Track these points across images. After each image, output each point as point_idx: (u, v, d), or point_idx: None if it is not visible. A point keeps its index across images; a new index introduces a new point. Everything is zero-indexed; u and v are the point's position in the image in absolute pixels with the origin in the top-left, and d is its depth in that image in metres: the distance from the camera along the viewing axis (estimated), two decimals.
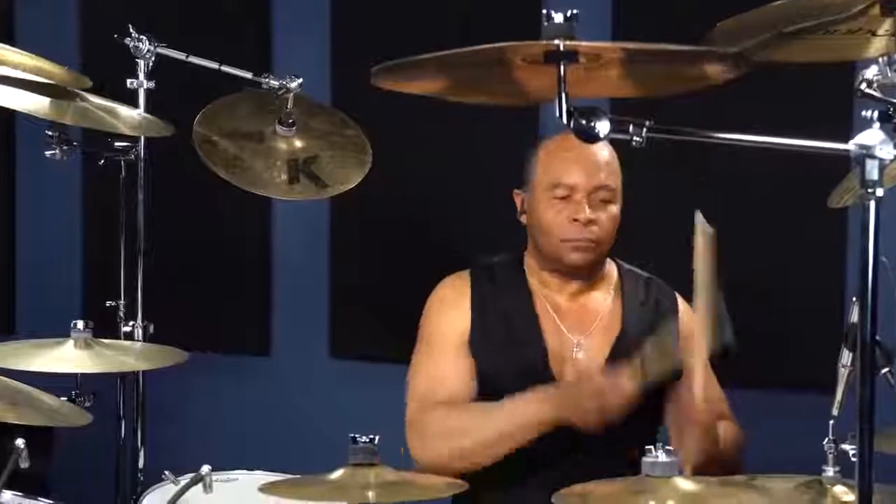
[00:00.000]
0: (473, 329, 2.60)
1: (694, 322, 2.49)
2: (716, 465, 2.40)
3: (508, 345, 2.57)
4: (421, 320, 2.67)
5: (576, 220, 2.54)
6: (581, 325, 2.61)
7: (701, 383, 2.34)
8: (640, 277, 2.69)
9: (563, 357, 2.58)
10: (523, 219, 2.67)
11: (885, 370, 1.83)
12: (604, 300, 2.65)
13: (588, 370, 2.49)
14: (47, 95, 2.61)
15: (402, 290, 3.50)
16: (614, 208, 2.58)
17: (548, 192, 2.58)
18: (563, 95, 1.80)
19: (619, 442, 2.41)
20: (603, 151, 2.58)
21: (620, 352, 2.56)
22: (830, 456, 2.03)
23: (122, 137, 2.84)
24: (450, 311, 2.64)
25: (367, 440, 2.07)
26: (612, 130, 1.78)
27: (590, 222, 2.54)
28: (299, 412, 3.75)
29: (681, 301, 2.65)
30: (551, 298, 2.63)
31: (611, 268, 2.68)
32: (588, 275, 2.64)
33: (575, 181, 2.56)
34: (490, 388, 2.55)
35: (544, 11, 1.85)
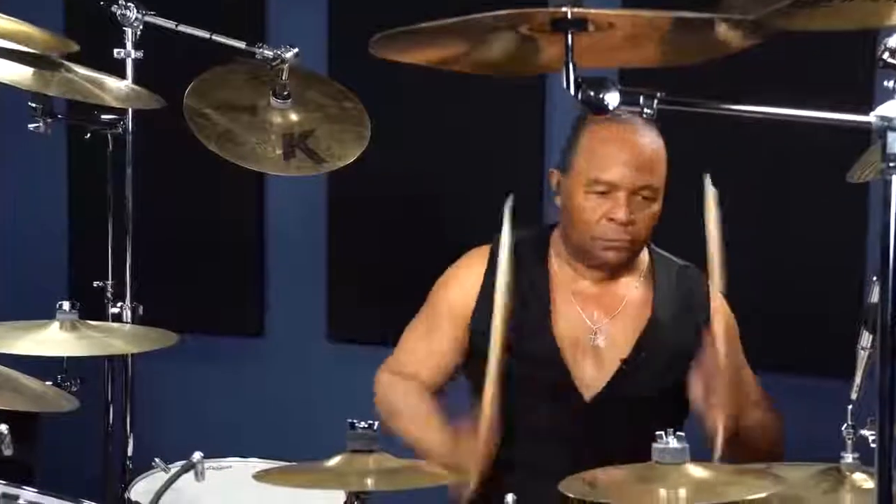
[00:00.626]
0: (479, 309, 2.60)
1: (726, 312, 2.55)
2: (751, 450, 2.44)
3: (519, 329, 2.54)
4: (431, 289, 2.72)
5: (612, 219, 2.51)
6: (604, 310, 2.61)
7: (722, 341, 2.34)
8: (673, 263, 2.68)
9: (579, 343, 2.58)
10: (557, 200, 2.64)
11: None
12: (633, 286, 2.64)
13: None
14: (30, 65, 2.61)
15: (403, 271, 3.52)
16: (655, 206, 2.54)
17: (586, 185, 2.52)
18: (571, 65, 1.80)
19: (643, 432, 2.41)
20: (650, 144, 2.53)
21: (649, 340, 2.57)
22: (849, 442, 2.04)
23: (109, 110, 2.84)
24: (454, 288, 2.67)
25: (366, 426, 2.07)
26: (622, 102, 1.78)
27: (629, 223, 2.51)
28: (295, 397, 3.76)
29: (713, 288, 2.64)
30: (574, 283, 2.62)
31: (643, 254, 2.65)
32: (617, 270, 2.63)
33: (617, 179, 2.50)
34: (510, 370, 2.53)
35: None
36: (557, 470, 2.33)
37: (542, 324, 2.59)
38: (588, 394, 2.55)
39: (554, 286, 2.62)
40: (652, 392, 2.55)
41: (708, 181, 2.26)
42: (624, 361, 2.56)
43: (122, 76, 2.84)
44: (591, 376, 2.56)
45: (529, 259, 2.63)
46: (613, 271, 2.63)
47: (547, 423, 2.55)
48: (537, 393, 2.55)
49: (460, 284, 2.66)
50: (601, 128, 2.53)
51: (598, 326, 2.59)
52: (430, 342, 2.67)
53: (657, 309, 2.61)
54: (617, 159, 2.52)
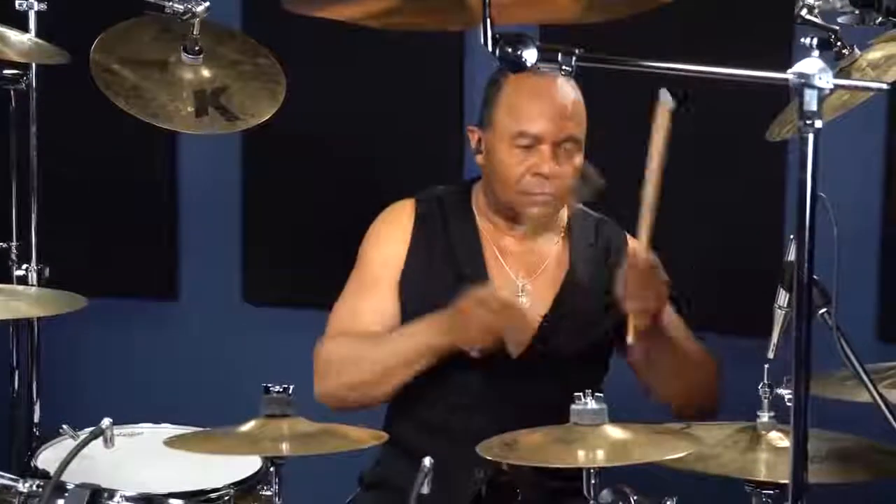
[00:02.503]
0: (409, 265, 2.61)
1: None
2: (682, 360, 2.51)
3: (452, 283, 2.56)
4: (359, 250, 2.68)
5: (538, 173, 2.52)
6: (527, 267, 2.63)
7: (644, 240, 2.40)
8: (591, 217, 2.70)
9: None
10: (479, 159, 2.64)
11: (822, 311, 1.86)
12: (552, 243, 2.66)
13: (480, 294, 2.46)
14: None
15: (321, 231, 3.51)
16: (578, 159, 2.56)
17: (509, 140, 2.54)
18: (489, 21, 1.79)
19: (566, 390, 2.43)
20: (571, 96, 2.55)
21: (567, 295, 2.59)
22: (765, 401, 2.08)
23: (11, 65, 2.79)
24: (384, 245, 2.65)
25: (281, 389, 2.07)
26: (540, 59, 1.79)
27: (553, 176, 2.52)
28: (209, 361, 3.73)
29: (631, 242, 2.67)
30: (498, 239, 2.64)
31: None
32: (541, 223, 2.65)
33: (540, 131, 2.52)
34: None
35: None
36: (483, 430, 2.36)
37: (477, 275, 2.58)
38: (514, 352, 2.54)
39: (483, 242, 2.64)
40: (573, 350, 2.57)
41: (664, 93, 2.28)
42: (544, 318, 2.58)
43: (25, 29, 2.79)
44: (517, 332, 2.55)
45: (456, 212, 2.65)
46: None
47: (475, 386, 2.55)
48: (468, 355, 2.53)
49: (391, 240, 2.64)
50: (522, 82, 2.52)
51: (522, 284, 2.61)
52: (370, 299, 2.61)
53: (574, 265, 2.63)
54: (540, 112, 2.53)
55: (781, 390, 2.02)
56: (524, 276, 2.62)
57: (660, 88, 2.28)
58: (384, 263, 2.62)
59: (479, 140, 2.62)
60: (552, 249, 2.66)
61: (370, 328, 2.57)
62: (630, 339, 2.42)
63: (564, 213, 2.69)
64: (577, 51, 1.79)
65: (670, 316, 2.60)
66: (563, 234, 2.67)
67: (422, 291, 2.59)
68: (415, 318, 2.55)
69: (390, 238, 2.65)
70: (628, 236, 2.70)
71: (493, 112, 2.58)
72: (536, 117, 2.53)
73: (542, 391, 2.47)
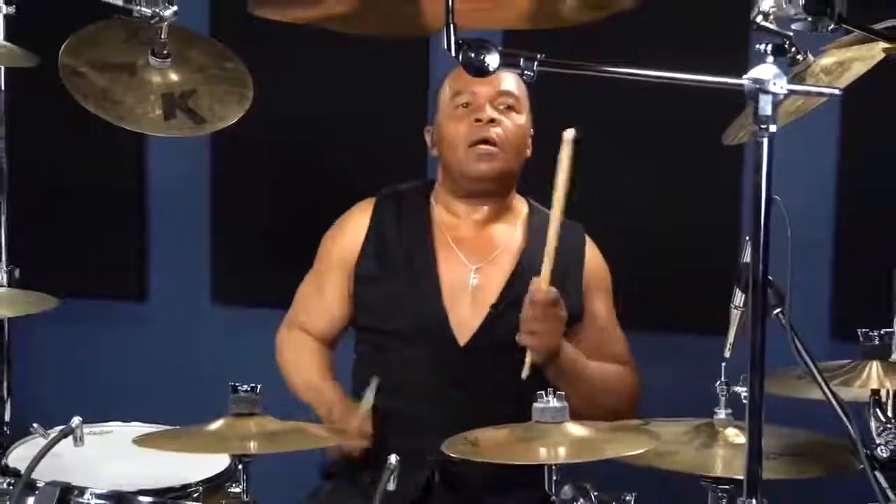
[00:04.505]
0: (366, 256, 2.67)
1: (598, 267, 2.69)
2: (598, 402, 2.51)
3: (403, 274, 2.64)
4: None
5: (478, 119, 2.61)
6: (481, 253, 2.66)
7: (546, 275, 2.45)
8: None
9: (458, 286, 2.63)
10: (434, 152, 2.73)
11: (776, 311, 1.87)
12: (510, 233, 2.69)
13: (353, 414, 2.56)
14: None
15: (288, 233, 3.50)
16: (519, 118, 2.65)
17: (452, 106, 2.65)
18: (451, 26, 1.80)
19: (513, 378, 2.45)
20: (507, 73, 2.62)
21: (517, 281, 2.61)
22: (722, 398, 2.08)
23: None
24: (340, 237, 2.73)
25: (248, 388, 2.07)
26: (502, 64, 1.79)
27: (492, 121, 2.61)
28: (178, 361, 3.72)
29: (589, 243, 2.72)
30: (454, 229, 2.68)
31: (521, 204, 2.74)
32: (496, 193, 2.67)
33: (477, 88, 2.62)
34: (381, 313, 2.64)
35: None
36: (434, 417, 2.36)
37: (426, 266, 2.64)
38: (462, 339, 2.59)
39: (437, 233, 2.68)
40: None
41: (568, 133, 2.38)
42: (493, 305, 2.60)
43: None
44: (466, 320, 2.60)
45: (413, 206, 2.71)
46: (492, 209, 2.68)
47: (425, 373, 2.58)
48: (416, 341, 2.59)
49: (346, 234, 2.72)
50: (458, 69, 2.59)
51: (475, 268, 2.65)
52: (321, 296, 2.74)
53: (525, 256, 2.65)
54: (475, 77, 2.59)
55: (738, 388, 2.03)
56: (477, 260, 2.66)
57: (566, 129, 2.38)
58: (339, 259, 2.71)
59: (432, 135, 2.73)
60: (508, 238, 2.69)
61: (318, 324, 2.75)
62: (524, 372, 2.45)
63: (524, 207, 2.73)
64: (538, 56, 1.79)
65: (591, 341, 2.65)
66: (520, 226, 2.69)
67: (375, 279, 2.66)
68: (369, 306, 2.66)
69: (347, 231, 2.72)
70: (587, 237, 2.72)
71: (438, 101, 2.71)
72: (471, 80, 2.53)
73: (491, 378, 2.52)
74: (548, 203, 2.48)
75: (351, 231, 2.71)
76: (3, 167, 2.85)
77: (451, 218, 2.69)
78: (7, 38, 2.78)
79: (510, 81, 2.65)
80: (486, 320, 2.59)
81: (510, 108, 2.64)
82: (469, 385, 2.55)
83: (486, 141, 2.61)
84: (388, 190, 2.76)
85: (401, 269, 2.64)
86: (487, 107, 2.62)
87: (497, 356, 2.53)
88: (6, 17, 2.78)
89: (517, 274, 2.63)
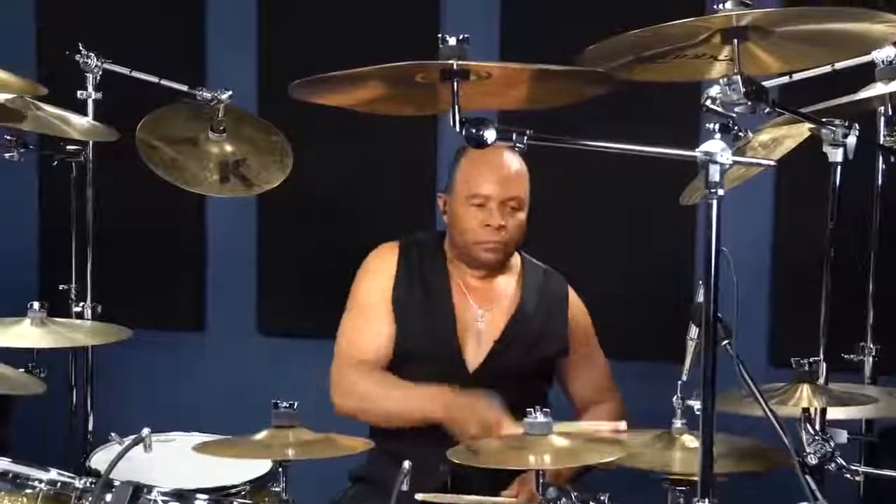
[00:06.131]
0: (396, 293, 2.61)
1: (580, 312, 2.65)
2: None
3: (425, 311, 2.60)
4: (352, 285, 2.67)
5: (488, 225, 2.56)
6: (486, 300, 2.64)
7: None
8: (539, 268, 2.73)
9: (468, 325, 2.61)
10: (445, 218, 2.67)
11: (724, 342, 1.86)
12: (508, 284, 2.68)
13: (484, 401, 2.45)
14: (7, 104, 2.55)
15: (320, 273, 3.50)
16: (521, 215, 2.60)
17: (466, 200, 2.58)
18: (457, 107, 1.81)
19: (514, 399, 2.42)
20: (514, 165, 2.59)
21: (516, 323, 2.61)
22: (679, 410, 2.07)
23: (73, 141, 2.78)
24: (376, 278, 2.64)
25: (288, 405, 2.06)
26: (498, 138, 1.79)
27: (500, 227, 2.56)
28: (230, 382, 3.71)
29: (571, 292, 2.72)
30: (463, 277, 2.65)
31: (516, 259, 2.71)
32: (495, 269, 2.66)
33: (489, 192, 2.57)
34: (406, 346, 2.58)
35: (440, 35, 1.85)
36: (446, 433, 2.34)
37: (445, 307, 2.61)
38: (471, 367, 2.58)
39: (451, 279, 2.65)
40: (520, 367, 2.59)
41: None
42: (496, 342, 2.59)
43: (84, 114, 2.78)
44: (474, 353, 2.59)
45: (431, 254, 2.67)
46: (491, 271, 2.66)
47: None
48: (432, 367, 2.55)
49: (381, 273, 2.64)
50: (475, 155, 2.57)
51: (481, 312, 2.62)
52: (366, 327, 2.60)
53: (523, 302, 2.65)
54: (488, 178, 2.58)
55: (692, 402, 2.02)
56: (483, 307, 2.63)
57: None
58: (377, 293, 2.62)
59: (445, 203, 2.67)
60: (507, 288, 2.67)
61: (371, 352, 2.57)
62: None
63: (518, 263, 2.70)
64: (527, 132, 1.80)
65: (592, 379, 2.67)
66: (516, 278, 2.69)
67: (402, 317, 2.60)
68: (399, 338, 2.56)
69: (380, 271, 2.65)
70: (567, 285, 2.72)
71: (453, 180, 2.64)
72: (485, 182, 2.57)
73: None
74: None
75: (383, 271, 2.63)
76: (90, 222, 2.85)
77: (458, 269, 2.66)
78: (95, 117, 2.80)
79: (517, 184, 2.59)
80: (491, 353, 2.59)
81: (515, 209, 2.58)
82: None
83: (492, 242, 2.58)
84: (408, 238, 2.71)
85: (421, 307, 2.60)
86: (497, 212, 2.56)
87: (498, 382, 2.50)
88: (94, 101, 2.80)
89: (515, 317, 2.63)
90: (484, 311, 2.63)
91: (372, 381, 2.54)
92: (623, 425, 2.35)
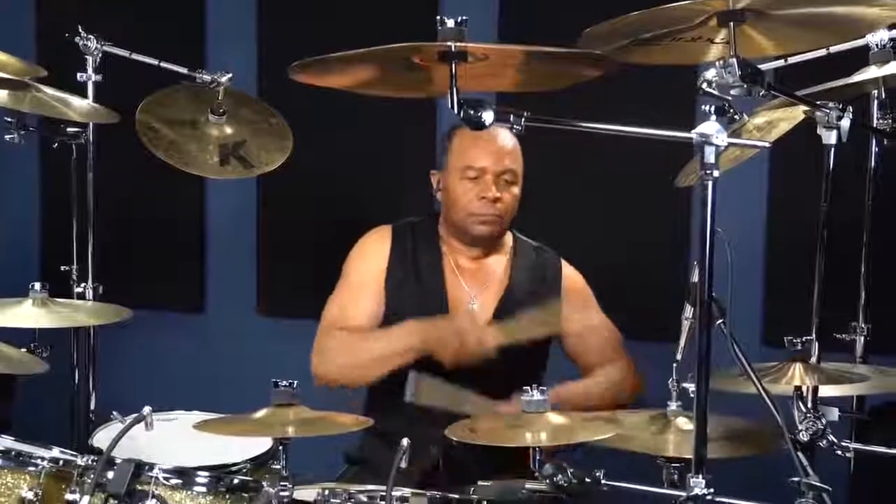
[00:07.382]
0: (389, 275, 2.62)
1: (576, 283, 2.64)
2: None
3: (417, 293, 2.61)
4: (344, 263, 2.68)
5: (483, 197, 2.57)
6: (478, 282, 2.65)
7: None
8: (531, 246, 2.72)
9: (460, 307, 2.61)
10: (438, 196, 2.68)
11: (719, 322, 1.86)
12: (500, 263, 2.68)
13: (461, 314, 2.51)
14: (6, 87, 2.54)
15: (319, 256, 3.49)
16: (516, 189, 2.61)
17: (460, 174, 2.59)
18: (455, 89, 1.80)
19: (509, 381, 2.43)
20: (508, 141, 2.60)
21: (506, 305, 2.61)
22: (674, 392, 2.08)
23: (73, 124, 2.77)
24: (370, 257, 2.66)
25: (287, 384, 2.06)
26: (496, 119, 1.79)
27: (496, 200, 2.57)
28: (230, 361, 3.72)
29: (565, 264, 2.70)
30: (456, 259, 2.66)
31: (508, 238, 2.71)
32: (489, 244, 2.65)
33: (484, 164, 2.58)
34: (399, 318, 2.56)
35: (438, 17, 1.85)
36: (439, 414, 2.35)
37: (438, 289, 2.62)
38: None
39: (444, 260, 2.65)
40: (512, 347, 2.56)
41: None
42: (488, 323, 2.58)
43: (84, 96, 2.78)
44: None
45: (424, 236, 2.67)
46: (485, 248, 2.65)
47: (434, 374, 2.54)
48: None
49: (374, 254, 2.66)
50: (467, 131, 2.54)
51: (473, 294, 2.62)
52: (358, 300, 2.62)
53: (513, 281, 2.65)
54: (484, 150, 2.59)
55: (686, 384, 2.02)
56: (475, 288, 2.64)
57: None
58: (370, 272, 2.64)
59: (438, 181, 2.67)
60: (499, 268, 2.67)
61: (356, 323, 2.58)
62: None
63: (510, 241, 2.71)
64: (524, 113, 1.80)
65: (596, 347, 2.66)
66: (508, 257, 2.69)
67: (395, 298, 2.61)
68: (391, 318, 2.56)
69: (373, 253, 2.67)
70: (562, 260, 2.71)
71: (447, 156, 2.65)
72: (482, 154, 2.58)
73: (488, 380, 2.49)
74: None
75: (376, 253, 2.65)
76: (91, 204, 2.85)
77: (452, 250, 2.67)
78: (95, 100, 2.79)
79: (511, 157, 2.59)
80: None
81: (509, 182, 2.59)
82: (470, 385, 2.47)
83: (488, 214, 2.58)
84: (402, 221, 2.72)
85: (414, 288, 2.61)
86: (492, 184, 2.56)
87: (492, 362, 2.50)
88: (95, 83, 2.79)
89: (506, 297, 2.63)
90: (476, 293, 2.63)
91: (354, 335, 2.54)
92: None
